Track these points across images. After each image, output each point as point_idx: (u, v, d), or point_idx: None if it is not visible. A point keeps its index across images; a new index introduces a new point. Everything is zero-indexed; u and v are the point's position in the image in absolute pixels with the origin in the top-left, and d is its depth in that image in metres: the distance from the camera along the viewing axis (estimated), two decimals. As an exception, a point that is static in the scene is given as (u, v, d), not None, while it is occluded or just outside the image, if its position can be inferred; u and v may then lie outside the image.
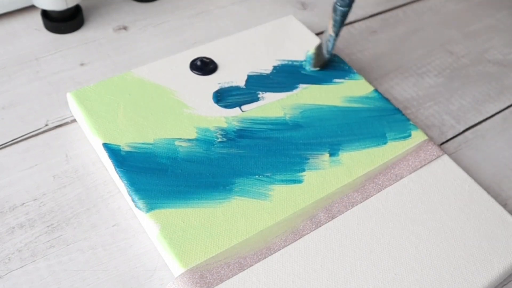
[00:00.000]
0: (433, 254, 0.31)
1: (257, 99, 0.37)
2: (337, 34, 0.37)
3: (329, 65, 0.41)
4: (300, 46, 0.42)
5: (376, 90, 0.39)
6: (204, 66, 0.39)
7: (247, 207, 0.31)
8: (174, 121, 0.35)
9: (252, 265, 0.29)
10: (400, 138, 0.36)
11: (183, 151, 0.34)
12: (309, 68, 0.40)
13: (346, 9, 0.35)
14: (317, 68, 0.40)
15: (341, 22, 0.36)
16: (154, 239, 0.30)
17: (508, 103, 0.44)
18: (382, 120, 0.37)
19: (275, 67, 0.40)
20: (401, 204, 0.33)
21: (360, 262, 0.30)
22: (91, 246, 0.31)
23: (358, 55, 0.46)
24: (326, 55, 0.39)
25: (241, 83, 0.38)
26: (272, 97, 0.38)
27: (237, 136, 0.35)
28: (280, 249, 0.30)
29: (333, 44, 0.38)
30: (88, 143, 0.36)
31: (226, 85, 0.38)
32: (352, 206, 0.32)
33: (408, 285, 0.29)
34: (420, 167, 0.35)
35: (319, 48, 0.39)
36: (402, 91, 0.43)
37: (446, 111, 0.42)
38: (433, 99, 0.43)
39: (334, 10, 0.36)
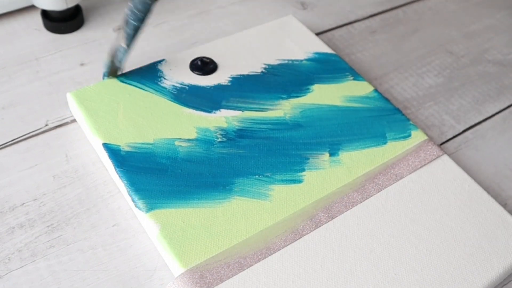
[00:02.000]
0: (433, 254, 0.31)
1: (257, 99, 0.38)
2: (129, 46, 0.35)
3: (328, 65, 0.41)
4: (300, 46, 0.42)
5: (376, 90, 0.39)
6: (204, 66, 0.39)
7: (247, 207, 0.31)
8: (174, 121, 0.35)
9: (252, 265, 0.29)
10: (400, 138, 0.36)
11: (183, 151, 0.34)
12: (105, 76, 0.37)
13: (138, 24, 0.33)
14: (112, 77, 0.37)
15: (133, 35, 0.34)
16: (154, 239, 0.30)
17: (508, 103, 0.44)
18: (382, 120, 0.37)
19: (275, 67, 0.40)
20: (401, 204, 0.33)
21: (360, 262, 0.30)
22: (91, 246, 0.31)
23: (358, 55, 0.46)
24: (117, 65, 0.37)
25: (241, 82, 0.38)
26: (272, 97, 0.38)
27: (237, 136, 0.35)
28: (280, 249, 0.30)
29: (124, 56, 0.36)
30: (88, 143, 0.36)
31: (226, 85, 0.38)
32: (352, 206, 0.32)
33: (408, 285, 0.29)
34: (420, 167, 0.35)
35: (112, 55, 0.36)
36: (402, 91, 0.43)
37: (446, 111, 0.42)
38: (433, 99, 0.43)
39: (126, 23, 0.33)
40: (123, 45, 0.35)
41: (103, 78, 0.37)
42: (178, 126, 0.35)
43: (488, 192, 0.37)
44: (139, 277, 0.30)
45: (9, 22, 0.44)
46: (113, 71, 0.37)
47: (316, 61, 0.41)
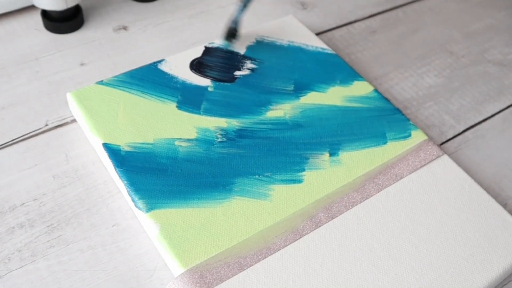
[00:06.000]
0: (433, 254, 0.31)
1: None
2: (245, 4, 0.38)
3: (328, 65, 0.41)
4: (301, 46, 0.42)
5: (376, 90, 0.39)
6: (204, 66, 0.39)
7: (247, 207, 0.31)
8: (174, 121, 0.35)
9: (252, 265, 0.29)
10: (400, 138, 0.36)
11: (183, 151, 0.34)
12: (223, 42, 0.40)
13: None
14: (228, 42, 0.40)
15: None
16: (154, 239, 0.30)
17: (508, 103, 0.44)
18: (382, 120, 0.37)
19: (275, 67, 0.40)
20: (401, 204, 0.33)
21: (360, 262, 0.30)
22: (91, 246, 0.31)
23: (358, 55, 0.46)
24: (231, 25, 0.39)
25: (241, 82, 0.38)
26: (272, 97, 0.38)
27: (237, 136, 0.35)
28: (280, 249, 0.30)
29: (239, 14, 0.38)
30: (88, 143, 0.36)
31: (226, 85, 0.38)
32: (352, 206, 0.32)
33: (408, 285, 0.29)
34: (420, 167, 0.35)
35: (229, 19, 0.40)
36: (402, 91, 0.43)
37: (446, 111, 0.42)
38: (433, 99, 0.43)
39: None
40: (240, 2, 0.37)
41: (222, 43, 0.40)
42: (178, 126, 0.35)
43: (488, 192, 0.37)
44: (139, 277, 0.30)
45: (9, 22, 0.44)
46: (230, 34, 0.40)
47: (316, 61, 0.41)
